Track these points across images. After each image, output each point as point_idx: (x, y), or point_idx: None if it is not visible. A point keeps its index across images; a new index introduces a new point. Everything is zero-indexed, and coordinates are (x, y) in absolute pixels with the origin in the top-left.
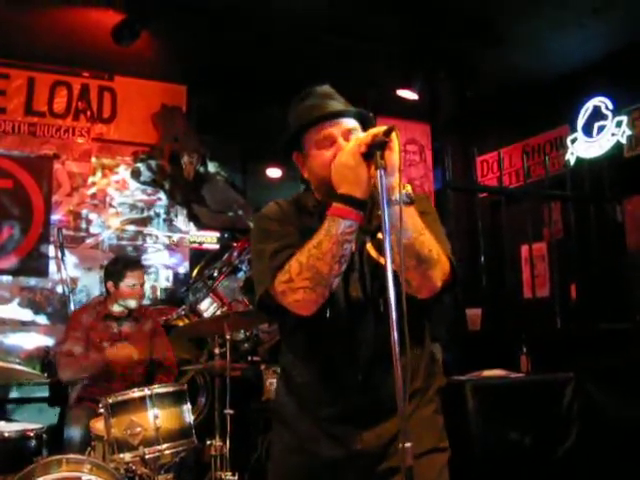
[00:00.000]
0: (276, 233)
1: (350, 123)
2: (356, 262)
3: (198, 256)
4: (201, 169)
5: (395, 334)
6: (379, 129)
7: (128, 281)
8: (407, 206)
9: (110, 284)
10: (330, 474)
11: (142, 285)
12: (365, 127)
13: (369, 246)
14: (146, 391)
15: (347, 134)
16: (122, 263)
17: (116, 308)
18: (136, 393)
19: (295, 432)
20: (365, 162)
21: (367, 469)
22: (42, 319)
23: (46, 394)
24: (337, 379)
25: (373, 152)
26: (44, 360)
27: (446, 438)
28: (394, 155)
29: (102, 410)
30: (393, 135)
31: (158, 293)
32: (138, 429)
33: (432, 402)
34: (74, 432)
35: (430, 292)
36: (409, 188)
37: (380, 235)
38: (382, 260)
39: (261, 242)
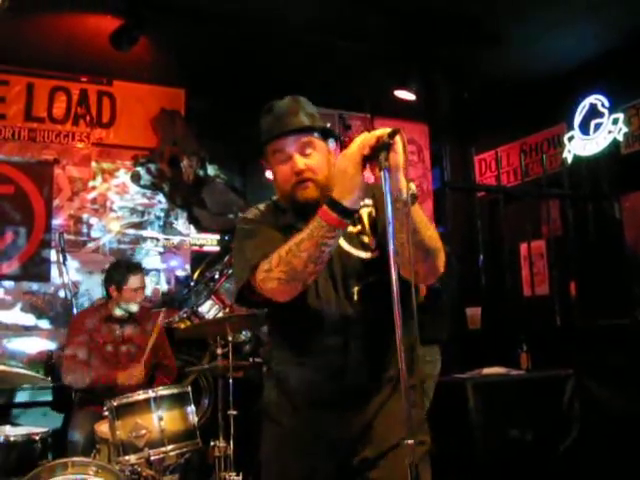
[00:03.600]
0: (255, 232)
1: (304, 137)
2: None
3: (199, 259)
4: (200, 172)
5: (399, 331)
6: (383, 131)
7: (131, 285)
8: (412, 204)
9: (112, 288)
10: (308, 464)
11: (143, 288)
12: (325, 136)
13: (340, 239)
14: (150, 393)
15: (302, 148)
16: (124, 267)
17: (118, 311)
18: (141, 395)
19: (276, 422)
20: (364, 168)
21: (343, 459)
22: (45, 324)
23: (50, 398)
24: (311, 367)
25: (377, 154)
26: (47, 364)
27: (425, 431)
28: (398, 157)
29: (107, 413)
30: (397, 137)
31: (159, 296)
32: (143, 431)
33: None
34: (78, 436)
35: (435, 278)
36: (413, 187)
37: (351, 228)
38: (353, 251)
39: (241, 241)
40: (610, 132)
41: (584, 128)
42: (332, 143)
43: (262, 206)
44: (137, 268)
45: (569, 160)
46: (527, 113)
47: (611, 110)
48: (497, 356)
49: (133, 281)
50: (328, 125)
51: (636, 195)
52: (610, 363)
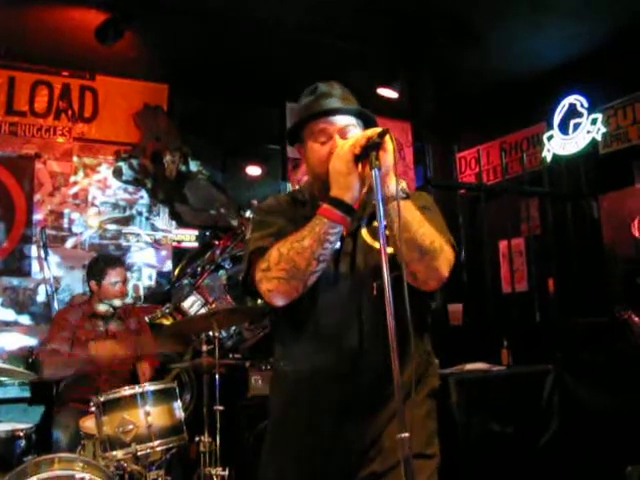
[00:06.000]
0: (264, 224)
1: (347, 120)
2: (348, 246)
3: (178, 254)
4: (183, 168)
5: (391, 324)
6: (373, 131)
7: (110, 279)
8: (403, 200)
9: (93, 283)
10: (312, 470)
11: (124, 282)
12: (366, 124)
13: (364, 232)
14: (137, 389)
15: (343, 131)
16: (102, 261)
17: (101, 307)
18: (127, 391)
19: (280, 425)
20: (357, 166)
21: (350, 470)
22: (25, 319)
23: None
24: (318, 365)
25: (368, 153)
26: (28, 360)
27: (436, 444)
28: (388, 155)
29: (93, 408)
30: (387, 137)
31: (141, 292)
32: (130, 426)
33: (422, 405)
34: (62, 433)
35: (438, 282)
36: (404, 184)
37: (376, 222)
38: (377, 245)
39: (251, 232)
40: (589, 132)
41: (563, 128)
42: None
43: (282, 196)
44: (116, 262)
45: (548, 159)
46: (507, 112)
47: (590, 110)
48: (479, 352)
49: (112, 275)
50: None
51: (614, 195)
52: (588, 359)
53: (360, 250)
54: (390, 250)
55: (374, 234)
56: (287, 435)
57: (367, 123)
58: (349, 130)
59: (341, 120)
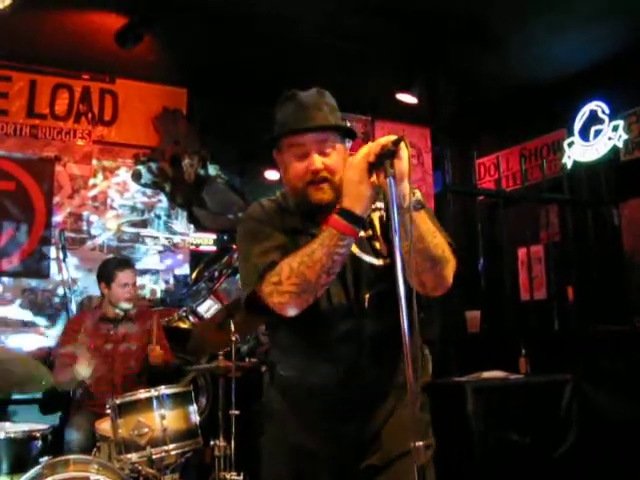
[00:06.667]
0: (261, 234)
1: (325, 135)
2: None
3: (196, 258)
4: (201, 171)
5: (406, 332)
6: (388, 139)
7: (119, 281)
8: (418, 211)
9: (103, 286)
10: (312, 469)
11: (134, 285)
12: (345, 136)
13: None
14: (153, 392)
15: (322, 146)
16: (113, 264)
17: (111, 310)
18: (143, 394)
19: (279, 426)
20: (370, 176)
21: (348, 466)
22: (42, 320)
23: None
24: (317, 373)
25: (382, 161)
26: (46, 361)
27: (430, 435)
28: (403, 164)
29: (109, 411)
30: (402, 145)
31: (158, 295)
32: (145, 429)
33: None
34: (76, 434)
35: (444, 290)
36: (419, 194)
37: (362, 233)
38: (365, 257)
39: (247, 243)
40: (610, 139)
41: (584, 134)
42: (349, 143)
43: (267, 203)
44: (126, 264)
45: (569, 166)
46: (527, 118)
47: (611, 117)
48: (496, 360)
49: (121, 277)
50: (348, 124)
51: (635, 202)
52: (608, 369)
53: (348, 262)
54: (378, 262)
55: (361, 245)
56: (283, 436)
57: (347, 136)
58: (327, 146)
59: (319, 136)
